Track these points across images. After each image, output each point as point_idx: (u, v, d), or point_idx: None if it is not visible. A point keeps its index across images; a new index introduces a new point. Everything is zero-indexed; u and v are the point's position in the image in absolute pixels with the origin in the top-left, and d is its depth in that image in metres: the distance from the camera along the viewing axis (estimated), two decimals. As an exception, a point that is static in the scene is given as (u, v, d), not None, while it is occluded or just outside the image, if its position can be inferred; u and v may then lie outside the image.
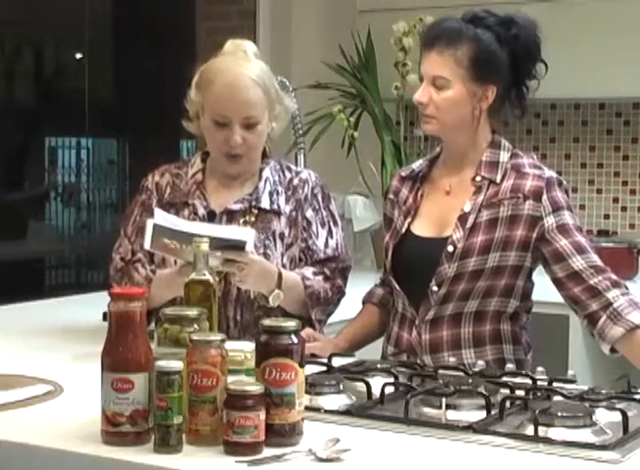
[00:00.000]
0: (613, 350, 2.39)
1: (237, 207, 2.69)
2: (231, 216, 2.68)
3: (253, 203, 2.69)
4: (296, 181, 2.74)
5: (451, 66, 2.45)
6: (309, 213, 2.71)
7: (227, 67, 2.64)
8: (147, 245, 2.49)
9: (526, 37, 2.48)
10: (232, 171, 2.70)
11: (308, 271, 2.67)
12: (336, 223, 2.76)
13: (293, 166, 2.83)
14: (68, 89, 6.68)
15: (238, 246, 2.44)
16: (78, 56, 6.52)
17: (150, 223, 2.46)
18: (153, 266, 2.66)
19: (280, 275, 2.56)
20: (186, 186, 2.74)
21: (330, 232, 2.73)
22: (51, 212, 6.72)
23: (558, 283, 2.46)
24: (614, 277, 2.42)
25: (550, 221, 2.44)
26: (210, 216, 2.68)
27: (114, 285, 2.63)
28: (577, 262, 2.42)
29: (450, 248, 2.46)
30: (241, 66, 2.63)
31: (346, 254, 2.77)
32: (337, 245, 2.73)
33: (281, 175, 2.75)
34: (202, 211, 2.69)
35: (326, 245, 2.71)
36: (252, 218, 2.69)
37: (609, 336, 2.37)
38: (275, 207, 2.69)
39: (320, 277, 2.67)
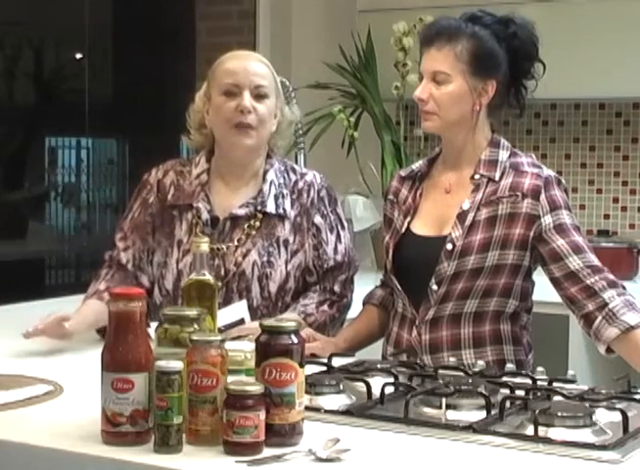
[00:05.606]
0: (609, 349, 2.40)
1: (242, 212, 2.68)
2: (235, 222, 2.68)
3: (259, 207, 2.69)
4: (301, 184, 2.74)
5: (451, 60, 2.45)
6: (317, 220, 2.71)
7: (237, 52, 2.76)
8: None
9: (524, 35, 2.50)
10: (241, 146, 2.66)
11: (312, 304, 2.67)
12: (343, 227, 2.77)
13: (297, 168, 2.82)
14: (68, 89, 6.68)
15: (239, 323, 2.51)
16: (78, 56, 6.51)
17: None
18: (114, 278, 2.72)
19: None
20: (190, 187, 2.73)
21: (338, 236, 2.74)
22: (51, 212, 6.71)
23: (555, 283, 2.46)
24: (610, 277, 2.42)
25: (547, 220, 2.44)
26: (214, 222, 2.68)
27: None
28: (574, 262, 2.42)
29: (449, 246, 2.46)
30: (250, 53, 2.79)
31: (354, 256, 2.78)
32: (345, 250, 2.75)
33: (286, 177, 2.74)
34: (205, 216, 2.68)
35: (335, 251, 2.72)
36: (257, 223, 2.68)
37: (604, 336, 2.37)
38: (281, 211, 2.69)
39: (325, 306, 2.69)
